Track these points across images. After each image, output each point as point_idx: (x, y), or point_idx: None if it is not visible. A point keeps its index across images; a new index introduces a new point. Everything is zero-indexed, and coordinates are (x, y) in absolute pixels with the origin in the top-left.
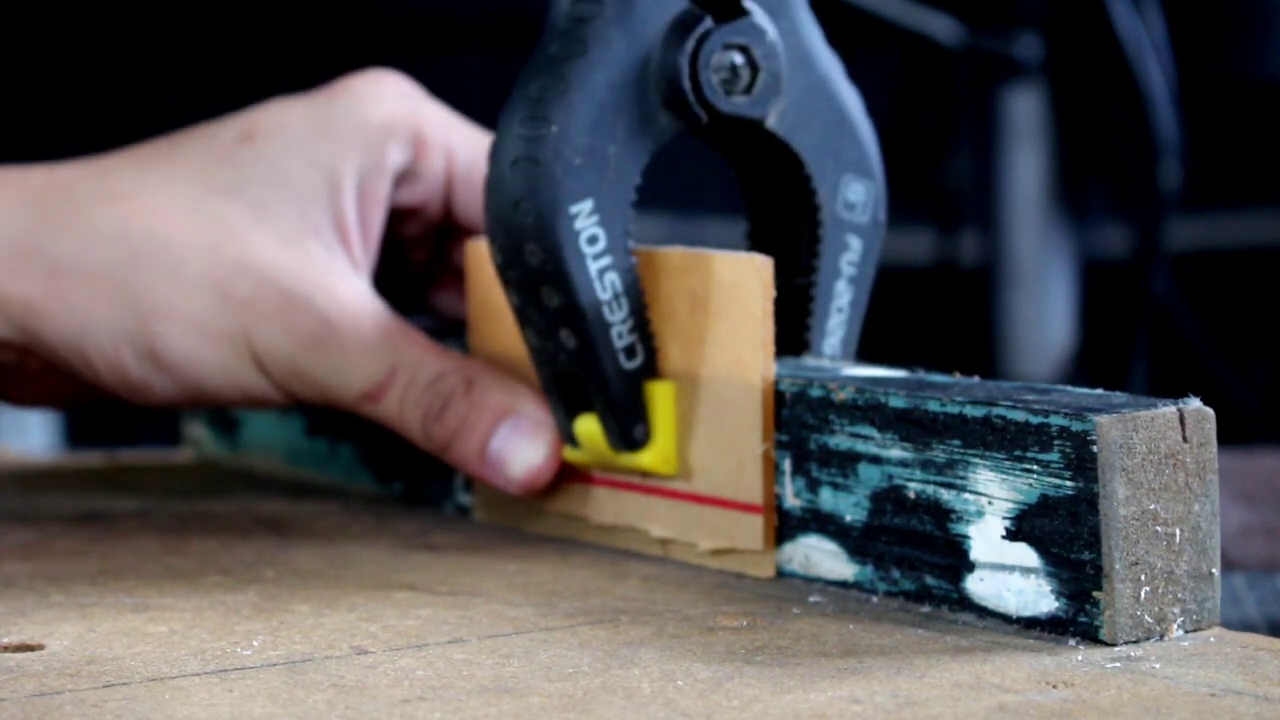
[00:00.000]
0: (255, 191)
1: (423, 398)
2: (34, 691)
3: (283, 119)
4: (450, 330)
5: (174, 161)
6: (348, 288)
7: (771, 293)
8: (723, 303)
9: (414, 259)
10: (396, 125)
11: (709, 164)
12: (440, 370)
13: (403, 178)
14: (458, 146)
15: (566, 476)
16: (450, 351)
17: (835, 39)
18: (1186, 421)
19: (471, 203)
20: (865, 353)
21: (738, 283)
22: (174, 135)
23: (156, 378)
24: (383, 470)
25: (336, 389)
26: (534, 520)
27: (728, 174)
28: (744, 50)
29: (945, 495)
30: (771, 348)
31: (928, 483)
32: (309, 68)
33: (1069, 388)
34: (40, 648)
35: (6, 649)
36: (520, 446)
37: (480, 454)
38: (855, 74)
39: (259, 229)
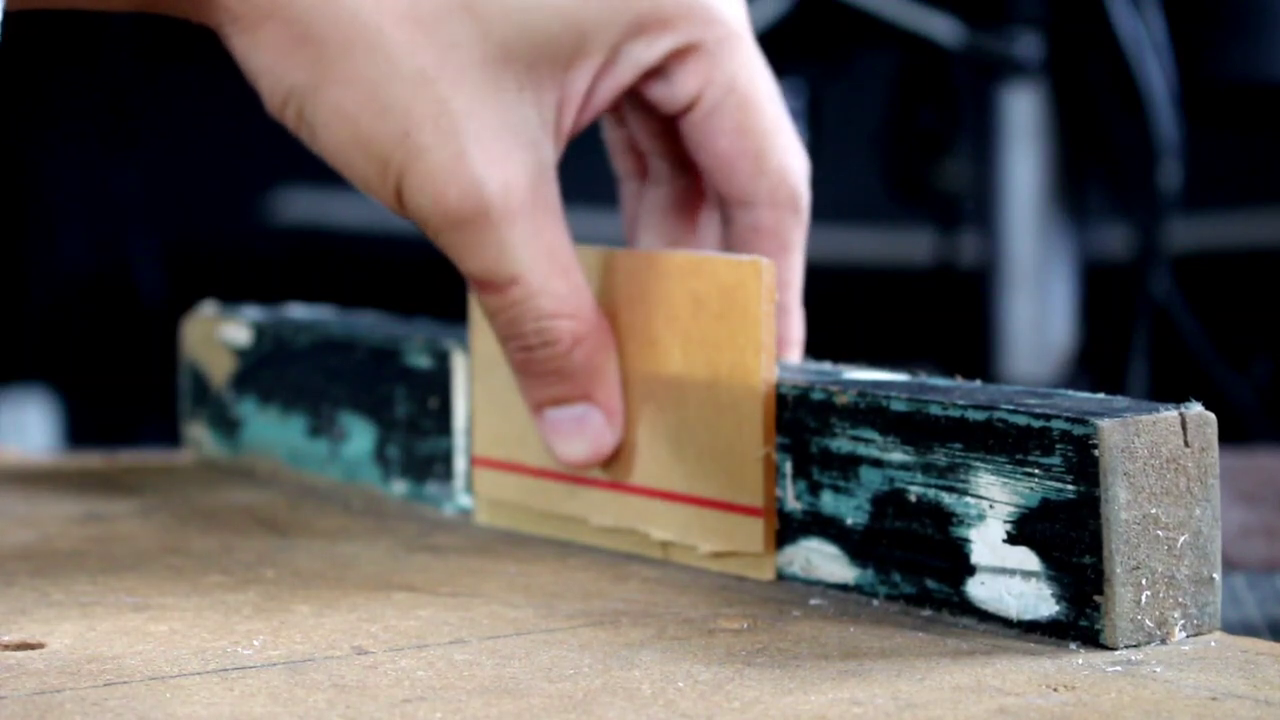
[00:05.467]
0: (498, 35)
1: (527, 321)
2: (35, 690)
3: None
4: None
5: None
6: (520, 161)
7: (774, 295)
8: (724, 305)
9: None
10: (674, 18)
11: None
12: (556, 310)
13: (654, 73)
14: (736, 72)
15: (568, 480)
16: (583, 291)
17: (835, 39)
18: (1188, 426)
19: (712, 142)
20: (866, 353)
21: (739, 285)
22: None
23: (309, 140)
24: (384, 471)
25: (458, 258)
26: (535, 523)
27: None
28: None
29: (946, 499)
30: (773, 350)
31: (929, 486)
32: None
33: (1070, 391)
34: (41, 646)
35: (7, 647)
36: (570, 435)
37: (538, 407)
38: (855, 74)
39: (478, 77)
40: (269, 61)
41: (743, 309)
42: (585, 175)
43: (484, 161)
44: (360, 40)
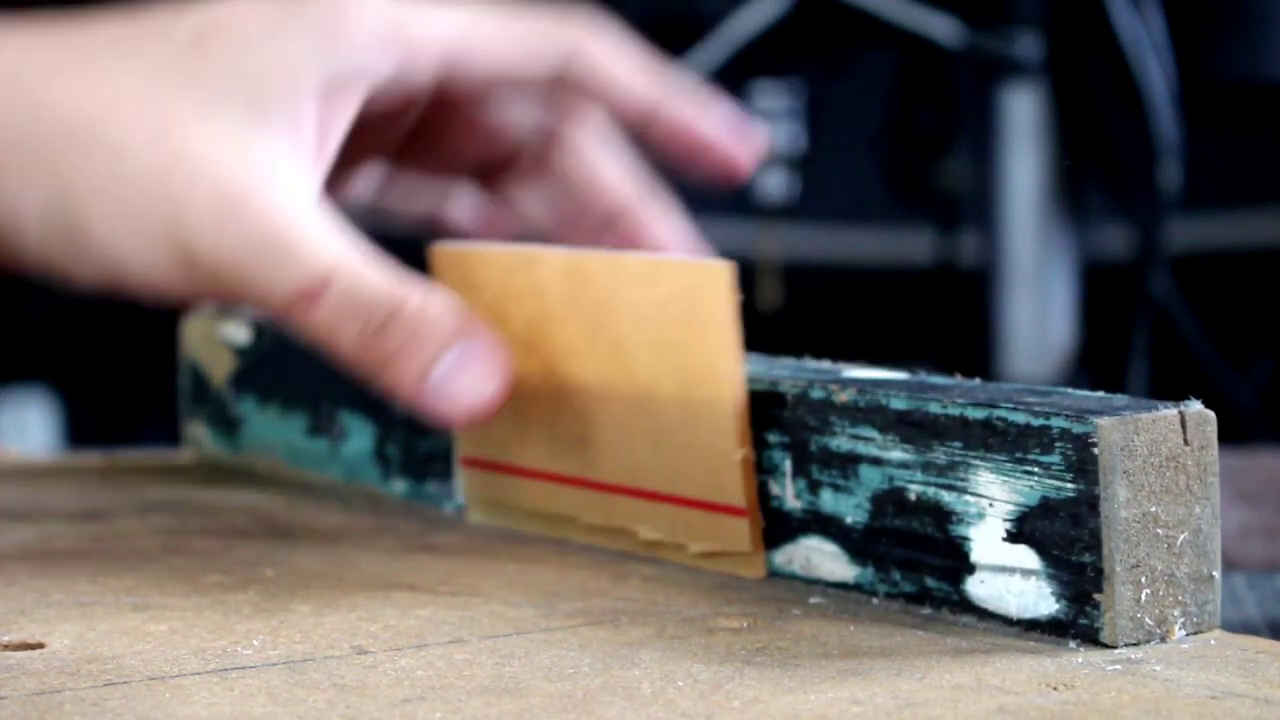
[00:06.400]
0: (208, 86)
1: (360, 310)
2: (34, 690)
3: (247, 13)
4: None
5: (131, 47)
6: (290, 188)
7: (735, 296)
8: (686, 308)
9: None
10: (372, 32)
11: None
12: (384, 283)
13: (384, 87)
14: (447, 40)
15: (556, 480)
16: (399, 269)
17: (835, 39)
18: (1188, 424)
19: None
20: (866, 353)
21: (700, 288)
22: (135, 16)
23: (81, 259)
24: (384, 470)
25: (265, 290)
26: (526, 521)
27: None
28: None
29: (946, 497)
30: (739, 351)
31: (929, 484)
32: None
33: (1070, 390)
34: (40, 646)
35: (7, 647)
36: (467, 376)
37: (419, 380)
38: (855, 74)
39: (205, 122)
40: (22, 197)
41: (705, 312)
42: None
43: (261, 198)
44: (97, 137)
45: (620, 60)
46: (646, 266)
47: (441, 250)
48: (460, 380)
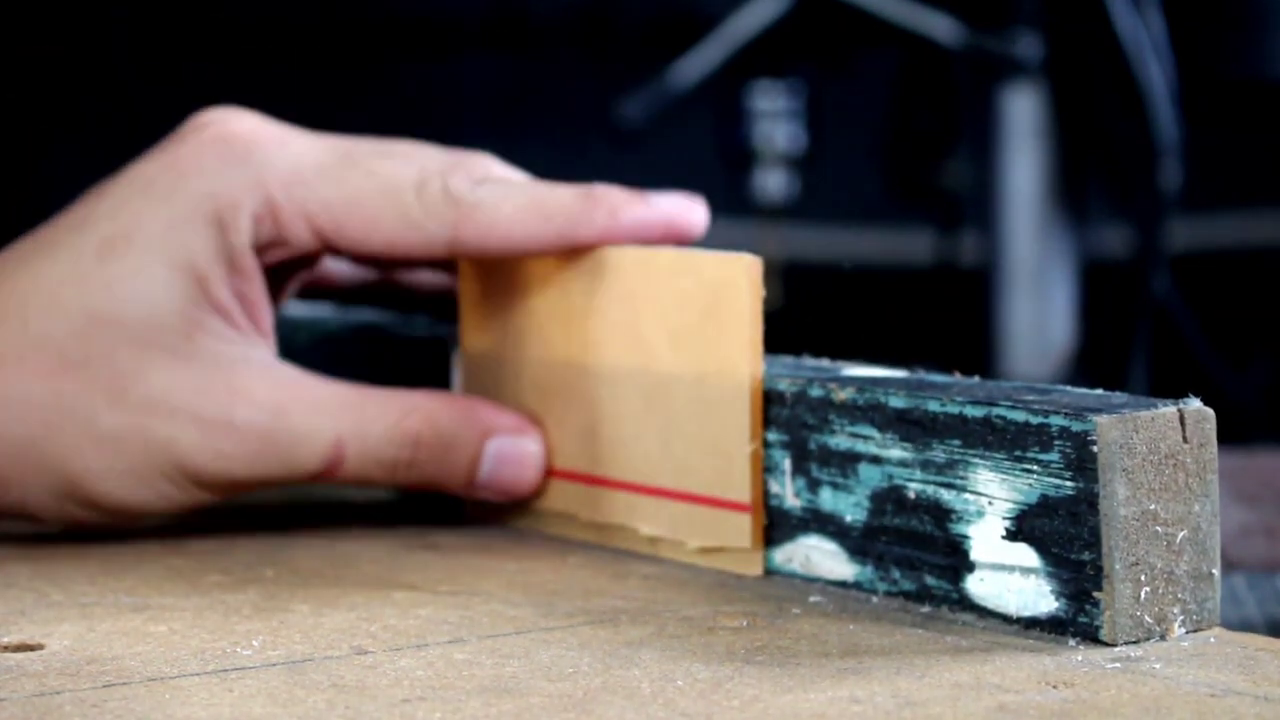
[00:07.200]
0: (132, 312)
1: (385, 451)
2: (34, 691)
3: (136, 218)
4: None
5: (49, 301)
6: (257, 378)
7: (761, 292)
8: (712, 302)
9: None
10: (243, 197)
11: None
12: (393, 419)
13: (267, 244)
14: (309, 196)
15: (557, 475)
16: (396, 393)
17: (835, 39)
18: (1187, 422)
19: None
20: (866, 353)
21: (727, 282)
22: (28, 257)
23: (105, 518)
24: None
25: (288, 478)
26: (525, 518)
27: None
28: None
29: (945, 495)
30: (760, 347)
31: (928, 483)
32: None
33: (1069, 388)
34: (40, 647)
35: (6, 648)
36: (510, 469)
37: (470, 486)
38: (855, 74)
39: (150, 354)
40: (27, 494)
41: (730, 305)
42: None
43: (236, 407)
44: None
45: (508, 215)
46: (676, 260)
47: None
48: (505, 474)
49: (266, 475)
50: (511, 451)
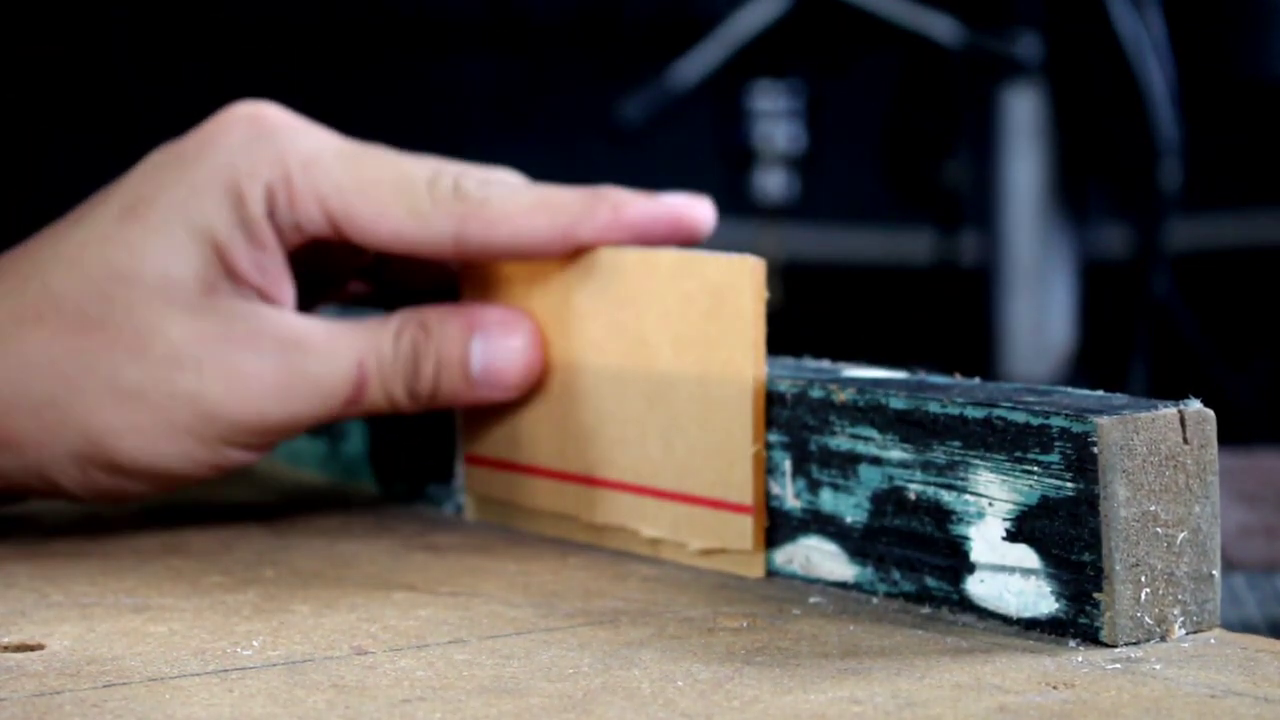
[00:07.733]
0: (151, 269)
1: (397, 367)
2: (34, 691)
3: (159, 186)
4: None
5: (70, 262)
6: (275, 321)
7: (764, 294)
8: (714, 303)
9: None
10: (260, 169)
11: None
12: (394, 331)
13: (281, 222)
14: (323, 178)
15: (558, 477)
16: (391, 314)
17: (835, 39)
18: (1187, 423)
19: (358, 220)
20: (866, 353)
21: (730, 284)
22: (57, 227)
23: (129, 484)
24: (384, 470)
25: (319, 413)
26: (526, 519)
27: (727, 176)
28: None
29: (946, 496)
30: (763, 349)
31: (928, 484)
32: (311, 66)
33: (1069, 389)
34: (40, 647)
35: (6, 649)
36: (499, 351)
37: (469, 384)
38: (855, 74)
39: (170, 310)
40: (44, 455)
41: (733, 307)
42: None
43: (262, 345)
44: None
45: (514, 212)
46: (679, 262)
47: None
48: (496, 359)
49: (298, 413)
50: (499, 347)
